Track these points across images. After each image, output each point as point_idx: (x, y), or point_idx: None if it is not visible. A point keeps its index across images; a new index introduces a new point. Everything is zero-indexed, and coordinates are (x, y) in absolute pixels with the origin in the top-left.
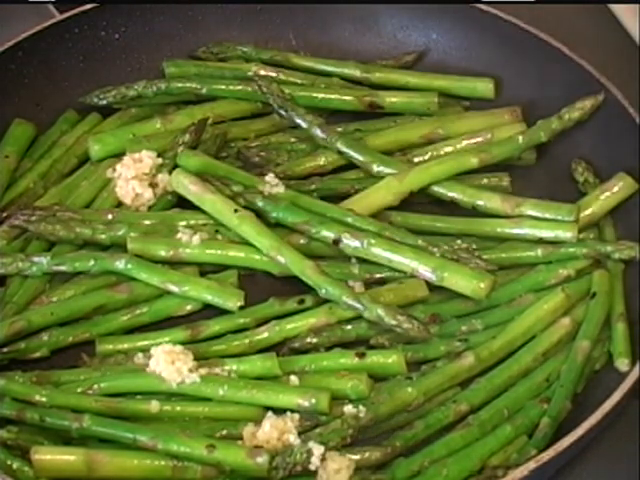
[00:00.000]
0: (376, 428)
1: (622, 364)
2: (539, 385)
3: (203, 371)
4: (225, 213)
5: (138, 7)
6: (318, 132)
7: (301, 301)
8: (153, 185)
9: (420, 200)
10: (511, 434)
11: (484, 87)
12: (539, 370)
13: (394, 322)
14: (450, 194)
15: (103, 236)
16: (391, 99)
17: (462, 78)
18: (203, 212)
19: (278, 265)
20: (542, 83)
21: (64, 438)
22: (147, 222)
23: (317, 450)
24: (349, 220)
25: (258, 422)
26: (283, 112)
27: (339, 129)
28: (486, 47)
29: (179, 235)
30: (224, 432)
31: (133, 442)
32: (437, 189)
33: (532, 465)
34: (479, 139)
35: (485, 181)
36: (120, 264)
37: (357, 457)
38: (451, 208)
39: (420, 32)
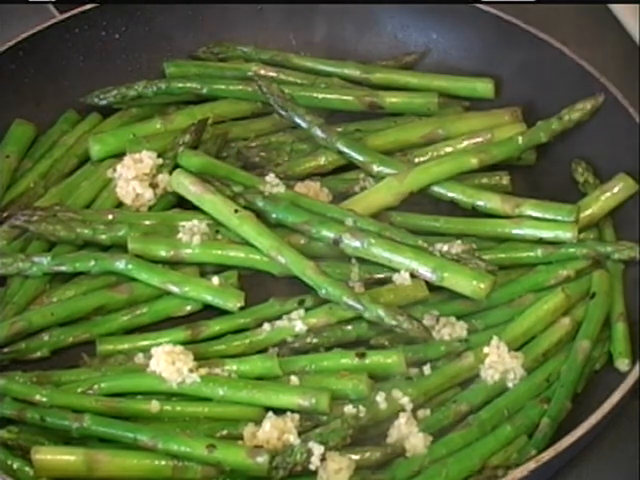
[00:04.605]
0: (376, 428)
1: (622, 364)
2: (539, 385)
3: (203, 371)
4: (225, 213)
5: (138, 7)
6: (318, 132)
7: (301, 301)
8: (153, 185)
9: (420, 200)
10: (511, 434)
11: (484, 87)
12: (539, 370)
13: (394, 322)
14: (450, 194)
15: (104, 236)
16: (391, 99)
17: (462, 78)
18: (203, 212)
19: (278, 265)
20: (542, 83)
21: (64, 438)
22: (147, 222)
23: (317, 450)
24: (349, 220)
25: (258, 422)
26: (283, 112)
27: (339, 129)
28: (486, 47)
29: (179, 235)
30: (224, 432)
31: (133, 442)
32: (437, 189)
33: (532, 465)
34: (479, 139)
35: (485, 181)
36: (120, 264)
37: (357, 457)
38: (451, 208)
39: (420, 32)
